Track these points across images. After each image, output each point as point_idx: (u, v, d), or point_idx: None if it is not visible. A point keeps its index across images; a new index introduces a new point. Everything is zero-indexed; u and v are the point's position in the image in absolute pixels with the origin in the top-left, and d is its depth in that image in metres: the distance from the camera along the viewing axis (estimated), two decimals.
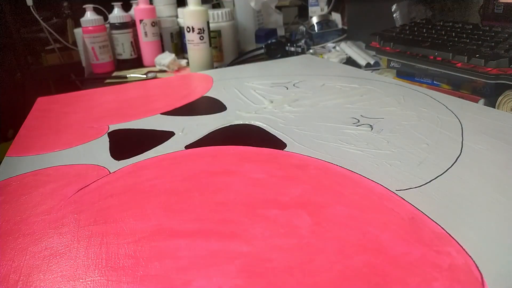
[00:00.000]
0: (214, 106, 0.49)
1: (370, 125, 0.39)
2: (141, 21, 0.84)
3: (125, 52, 0.88)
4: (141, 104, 0.52)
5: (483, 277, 0.20)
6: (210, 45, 0.75)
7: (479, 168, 0.30)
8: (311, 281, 0.20)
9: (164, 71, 0.81)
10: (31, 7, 1.14)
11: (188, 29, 0.72)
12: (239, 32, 0.92)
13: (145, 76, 0.77)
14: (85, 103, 0.54)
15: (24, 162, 0.37)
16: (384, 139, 0.36)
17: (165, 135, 0.40)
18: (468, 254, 0.21)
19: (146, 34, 0.85)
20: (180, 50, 0.93)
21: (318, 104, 0.47)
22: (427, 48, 0.55)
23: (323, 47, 0.90)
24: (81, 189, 0.31)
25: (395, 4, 0.76)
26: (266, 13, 0.97)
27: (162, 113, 0.47)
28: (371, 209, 0.26)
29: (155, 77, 0.75)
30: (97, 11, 0.86)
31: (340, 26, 0.98)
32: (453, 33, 0.58)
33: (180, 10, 0.91)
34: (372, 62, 0.72)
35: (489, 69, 0.47)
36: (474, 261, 0.21)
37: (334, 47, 0.87)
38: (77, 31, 0.92)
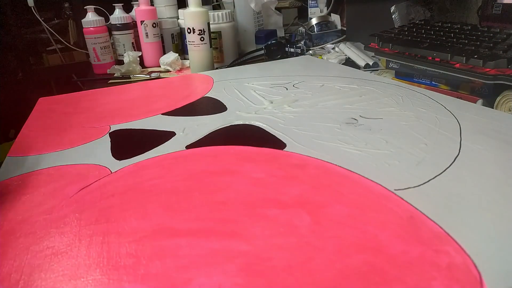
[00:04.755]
0: (214, 106, 0.49)
1: (369, 125, 0.39)
2: (142, 22, 0.84)
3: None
4: (142, 105, 0.52)
5: (481, 276, 0.20)
6: (211, 46, 0.75)
7: (477, 168, 0.30)
8: (310, 279, 0.20)
9: (168, 71, 0.81)
10: (32, 8, 1.14)
11: (188, 30, 0.73)
12: (239, 33, 0.92)
13: (148, 76, 0.77)
14: (87, 104, 0.54)
15: (25, 162, 0.37)
16: (383, 139, 0.36)
17: (166, 135, 0.40)
18: (466, 253, 0.21)
19: (147, 35, 0.85)
20: (181, 51, 0.93)
21: (317, 105, 0.47)
22: (426, 49, 0.56)
23: (322, 48, 0.91)
24: (83, 188, 0.31)
25: (394, 5, 0.76)
26: (266, 15, 0.97)
27: (163, 114, 0.48)
28: (370, 208, 0.26)
29: (158, 77, 0.75)
30: (98, 12, 0.86)
31: (339, 27, 0.99)
32: (452, 34, 0.58)
33: (180, 11, 0.91)
34: (371, 63, 0.73)
35: (488, 69, 0.47)
36: (472, 260, 0.21)
37: (333, 48, 0.87)
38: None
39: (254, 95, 0.52)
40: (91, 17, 0.83)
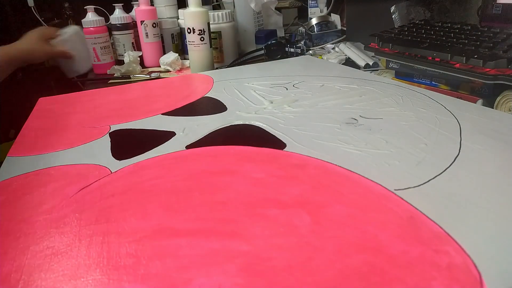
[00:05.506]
0: (214, 106, 0.49)
1: (369, 125, 0.39)
2: (142, 22, 0.84)
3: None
4: (142, 105, 0.52)
5: (481, 276, 0.20)
6: (211, 46, 0.75)
7: (477, 168, 0.30)
8: (310, 279, 0.20)
9: (168, 71, 0.81)
10: (32, 8, 1.14)
11: (188, 30, 0.73)
12: (239, 33, 0.92)
13: (148, 76, 0.77)
14: (87, 104, 0.54)
15: (25, 162, 0.37)
16: (383, 139, 0.36)
17: (166, 135, 0.40)
18: (466, 253, 0.21)
19: (147, 35, 0.85)
20: (181, 51, 0.93)
21: (317, 105, 0.47)
22: (426, 49, 0.56)
23: (322, 48, 0.91)
24: (83, 188, 0.31)
25: (394, 5, 0.76)
26: (266, 15, 0.97)
27: (163, 114, 0.48)
28: (370, 208, 0.26)
29: (158, 77, 0.76)
30: (98, 12, 0.86)
31: (339, 27, 0.99)
32: (452, 34, 0.58)
33: (180, 11, 0.91)
34: (371, 63, 0.73)
35: (488, 69, 0.47)
36: (472, 260, 0.21)
37: (333, 48, 0.87)
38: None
39: (254, 95, 0.52)
40: (91, 17, 0.83)
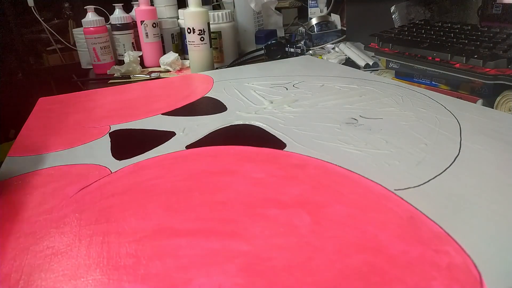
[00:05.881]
0: (214, 106, 0.49)
1: (369, 125, 0.39)
2: (142, 22, 0.84)
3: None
4: (142, 105, 0.52)
5: (481, 276, 0.20)
6: (211, 46, 0.75)
7: (477, 168, 0.30)
8: (310, 279, 0.20)
9: (168, 71, 0.81)
10: (32, 8, 1.14)
11: (188, 30, 0.73)
12: (239, 33, 0.92)
13: (148, 76, 0.77)
14: (87, 104, 0.54)
15: (25, 161, 0.37)
16: (383, 139, 0.36)
17: (166, 135, 0.40)
18: (466, 253, 0.21)
19: (147, 35, 0.85)
20: (181, 51, 0.93)
21: (317, 105, 0.47)
22: (426, 49, 0.56)
23: (322, 48, 0.91)
24: (83, 188, 0.31)
25: (394, 5, 0.76)
26: (266, 15, 0.97)
27: (163, 114, 0.48)
28: (370, 208, 0.26)
29: (158, 77, 0.76)
30: (98, 12, 0.86)
31: (339, 27, 0.99)
32: (452, 34, 0.58)
33: (180, 11, 0.91)
34: (371, 63, 0.73)
35: (488, 69, 0.47)
36: (472, 260, 0.21)
37: (333, 48, 0.87)
38: (76, 31, 0.92)
39: (254, 95, 0.52)
40: (91, 17, 0.83)
